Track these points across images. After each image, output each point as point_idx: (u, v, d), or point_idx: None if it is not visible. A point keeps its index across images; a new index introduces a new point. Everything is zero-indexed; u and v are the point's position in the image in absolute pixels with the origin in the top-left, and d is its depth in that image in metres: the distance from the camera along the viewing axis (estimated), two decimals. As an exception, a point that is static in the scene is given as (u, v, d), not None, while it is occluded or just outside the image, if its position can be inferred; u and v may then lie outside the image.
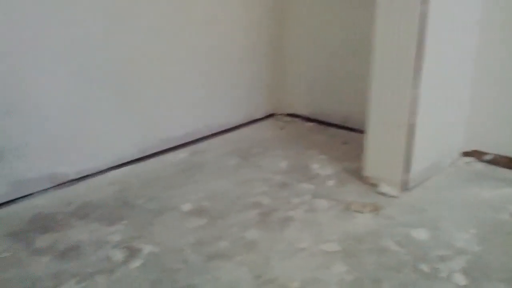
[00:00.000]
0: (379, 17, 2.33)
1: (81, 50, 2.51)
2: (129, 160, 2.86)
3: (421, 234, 2.11)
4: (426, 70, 2.30)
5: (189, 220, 2.25)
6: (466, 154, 2.88)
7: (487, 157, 2.81)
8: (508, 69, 2.62)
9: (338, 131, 3.44)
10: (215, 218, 2.26)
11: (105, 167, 2.75)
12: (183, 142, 3.15)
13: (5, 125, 2.29)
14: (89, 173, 2.68)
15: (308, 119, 3.65)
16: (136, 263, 1.93)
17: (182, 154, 3.05)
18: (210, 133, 3.32)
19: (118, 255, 1.98)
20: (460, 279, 1.82)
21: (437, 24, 2.27)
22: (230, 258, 1.96)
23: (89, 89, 2.59)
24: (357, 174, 2.66)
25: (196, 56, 3.10)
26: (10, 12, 2.22)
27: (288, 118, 3.71)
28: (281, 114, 3.76)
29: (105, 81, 2.65)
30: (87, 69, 2.56)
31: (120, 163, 2.82)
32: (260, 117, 3.68)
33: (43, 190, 2.49)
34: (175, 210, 2.34)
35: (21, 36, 2.27)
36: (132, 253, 1.99)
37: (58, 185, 2.55)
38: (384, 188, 2.48)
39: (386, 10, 2.30)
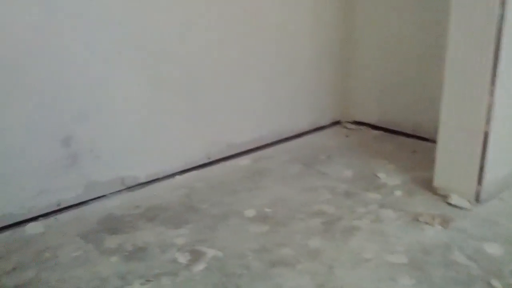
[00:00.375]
0: (453, 20, 2.25)
1: (155, 57, 2.60)
2: (195, 165, 2.92)
3: (494, 249, 2.01)
4: (502, 76, 2.19)
5: (253, 226, 2.26)
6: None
7: None
8: None
9: (406, 139, 3.34)
10: (278, 225, 2.26)
11: (173, 172, 2.81)
12: (248, 148, 3.17)
13: (79, 129, 2.40)
14: (158, 177, 2.75)
15: (375, 127, 3.57)
16: (199, 267, 1.96)
17: (247, 160, 3.07)
18: (275, 139, 3.32)
19: (182, 258, 2.02)
20: (538, 299, 1.71)
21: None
22: (293, 265, 1.95)
23: (159, 95, 2.67)
24: (426, 185, 2.57)
25: (263, 63, 3.13)
26: (89, 20, 2.33)
27: (354, 126, 3.64)
28: (347, 122, 3.71)
29: (175, 88, 2.73)
30: (158, 76, 2.64)
31: (187, 168, 2.88)
32: (325, 124, 3.64)
33: (114, 192, 2.59)
34: (238, 215, 2.36)
35: (99, 43, 2.38)
36: (196, 256, 2.03)
37: (128, 188, 2.64)
38: (455, 199, 2.38)
39: (462, 14, 2.22)
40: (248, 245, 2.10)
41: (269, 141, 3.29)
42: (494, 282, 1.80)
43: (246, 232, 2.21)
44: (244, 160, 3.07)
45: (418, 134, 3.32)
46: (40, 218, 2.34)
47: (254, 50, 3.05)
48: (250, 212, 2.38)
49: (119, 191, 2.60)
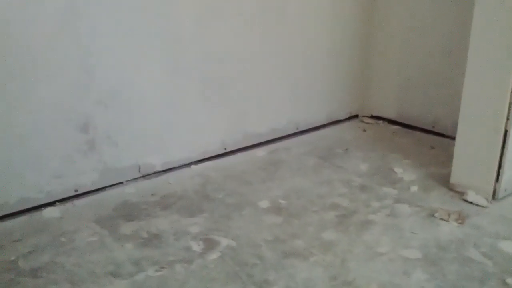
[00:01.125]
0: (477, 16, 2.22)
1: (174, 46, 2.61)
2: (212, 155, 2.93)
3: (510, 247, 1.98)
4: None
5: (267, 217, 2.26)
6: None
7: None
8: None
9: (424, 135, 3.31)
10: (292, 217, 2.26)
11: (189, 161, 2.83)
12: (265, 139, 3.17)
13: (98, 115, 2.42)
14: (175, 165, 2.77)
15: (393, 122, 3.55)
16: (213, 255, 1.97)
17: (263, 151, 3.07)
18: (293, 131, 3.32)
19: (196, 246, 2.04)
20: (554, 298, 1.69)
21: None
22: (306, 257, 1.95)
23: (179, 84, 2.69)
24: (443, 181, 2.55)
25: (283, 54, 3.12)
26: (110, 7, 2.35)
27: (372, 120, 3.62)
28: (364, 116, 3.68)
29: (194, 78, 2.74)
30: (179, 65, 2.65)
31: (204, 157, 2.89)
32: (343, 118, 3.62)
33: (130, 179, 2.61)
34: (253, 206, 2.37)
35: (119, 32, 2.40)
36: (210, 245, 2.04)
37: (145, 175, 2.66)
38: (472, 196, 2.36)
39: (486, 9, 2.19)
40: (262, 235, 2.11)
41: (287, 133, 3.29)
42: (510, 281, 1.78)
43: (260, 223, 2.21)
44: (260, 151, 3.07)
45: (437, 130, 3.28)
46: (57, 203, 2.37)
47: (274, 41, 3.05)
48: (264, 203, 2.39)
49: (135, 178, 2.62)
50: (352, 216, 2.26)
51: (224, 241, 2.07)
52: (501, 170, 2.30)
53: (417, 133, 3.36)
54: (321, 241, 2.06)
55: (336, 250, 1.99)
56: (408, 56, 3.36)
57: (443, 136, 3.19)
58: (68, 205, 2.38)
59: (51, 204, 2.35)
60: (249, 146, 3.09)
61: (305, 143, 3.20)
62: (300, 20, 3.14)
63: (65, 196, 2.40)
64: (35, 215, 2.28)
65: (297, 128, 3.33)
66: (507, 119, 2.22)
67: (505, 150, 2.26)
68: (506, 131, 2.23)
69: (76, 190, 2.43)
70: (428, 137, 3.27)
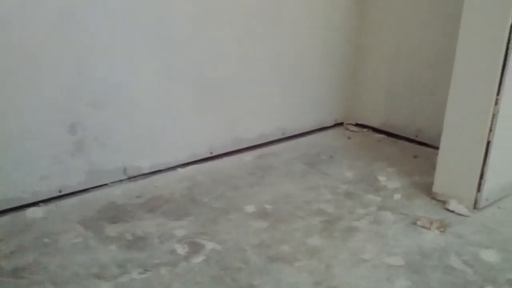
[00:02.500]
0: (463, 29, 2.27)
1: (168, 48, 2.61)
2: (200, 158, 2.93)
3: (490, 255, 2.03)
4: (509, 86, 2.21)
5: (253, 222, 2.27)
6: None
7: None
8: None
9: (408, 144, 3.35)
10: (278, 222, 2.28)
11: (177, 164, 2.83)
12: (252, 144, 3.19)
13: (87, 116, 2.41)
14: (162, 168, 2.77)
15: (377, 131, 3.59)
16: (198, 259, 1.97)
17: (250, 156, 3.08)
18: (279, 137, 3.34)
19: (181, 249, 2.04)
20: (532, 307, 1.73)
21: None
22: (291, 262, 1.96)
23: (171, 87, 2.69)
24: (426, 190, 2.59)
25: (273, 60, 3.14)
26: (105, 9, 2.34)
27: (357, 128, 3.66)
28: (349, 124, 3.72)
29: (187, 81, 2.74)
30: (171, 68, 2.66)
31: (191, 160, 2.89)
32: (329, 125, 3.65)
33: (116, 181, 2.60)
34: (239, 210, 2.38)
35: (113, 34, 2.40)
36: (196, 248, 2.04)
37: (131, 178, 2.65)
38: (454, 205, 2.40)
39: (472, 23, 2.23)
40: (248, 240, 2.12)
41: (274, 138, 3.31)
42: (490, 289, 1.82)
43: (246, 227, 2.22)
44: (249, 156, 3.08)
45: (420, 140, 3.33)
46: (41, 204, 2.35)
47: (267, 47, 3.07)
48: (251, 208, 2.40)
49: (121, 180, 2.61)
50: (337, 222, 2.28)
51: (210, 245, 2.07)
52: (482, 180, 2.34)
53: (401, 142, 3.40)
54: (307, 246, 2.08)
55: (321, 256, 2.01)
56: (395, 66, 3.40)
57: (427, 146, 3.23)
58: (52, 205, 2.36)
59: (35, 204, 2.33)
60: (236, 150, 3.10)
61: (292, 149, 3.22)
62: (293, 27, 3.17)
63: (50, 196, 2.38)
64: (18, 215, 2.26)
65: (283, 134, 3.35)
66: (490, 130, 2.26)
67: (487, 160, 2.30)
68: (488, 142, 2.28)
69: (60, 191, 2.41)
70: (412, 146, 3.32)
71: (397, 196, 2.56)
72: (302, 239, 2.13)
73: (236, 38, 2.90)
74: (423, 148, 3.25)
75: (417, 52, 3.26)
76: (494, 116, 2.24)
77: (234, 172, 2.82)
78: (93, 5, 2.29)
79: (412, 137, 3.39)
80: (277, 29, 3.09)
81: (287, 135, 3.38)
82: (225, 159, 3.02)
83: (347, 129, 3.66)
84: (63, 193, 2.42)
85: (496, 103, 2.21)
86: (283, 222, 2.27)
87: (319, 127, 3.58)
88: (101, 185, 2.55)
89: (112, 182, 2.58)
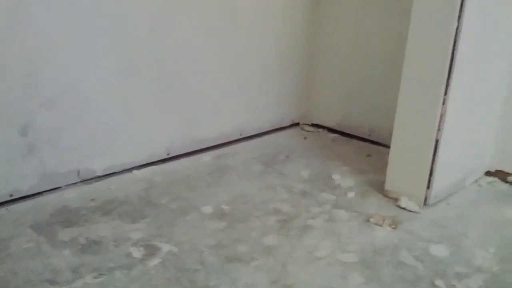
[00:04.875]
0: (412, 31, 2.33)
1: (124, 48, 2.58)
2: (156, 159, 2.91)
3: (440, 250, 2.10)
4: (456, 86, 2.29)
5: (210, 222, 2.28)
6: (490, 173, 2.85)
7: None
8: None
9: (362, 143, 3.44)
10: (235, 222, 2.29)
11: (133, 165, 2.80)
12: (210, 145, 3.19)
13: (39, 117, 2.35)
14: (116, 170, 2.73)
15: (332, 130, 3.66)
16: (154, 261, 1.96)
17: (208, 157, 3.08)
18: (236, 138, 3.35)
19: (137, 252, 2.02)
20: (478, 298, 1.80)
21: (470, 40, 2.26)
22: (248, 262, 1.98)
23: (128, 87, 2.66)
24: (379, 187, 2.66)
25: (233, 60, 3.16)
26: (60, 7, 2.29)
27: (312, 128, 3.72)
28: (305, 124, 3.77)
29: (145, 80, 2.72)
30: (130, 67, 2.63)
31: (147, 162, 2.86)
32: (286, 125, 3.70)
33: (70, 184, 2.55)
34: (197, 211, 2.37)
35: (68, 32, 2.35)
36: (152, 251, 2.03)
37: (85, 180, 2.61)
38: (405, 202, 2.47)
39: (420, 26, 2.30)
40: (205, 241, 2.12)
41: (231, 139, 3.32)
42: (438, 282, 1.89)
43: (203, 228, 2.22)
44: (206, 157, 3.08)
45: (373, 139, 3.42)
46: (-10, 209, 2.28)
47: (224, 47, 3.08)
48: (208, 209, 2.40)
49: (75, 183, 2.56)
50: (293, 221, 2.31)
51: (166, 247, 2.06)
52: (432, 178, 2.42)
53: (355, 141, 3.48)
54: (263, 246, 2.10)
55: (277, 255, 2.04)
56: (350, 66, 3.47)
57: (379, 145, 3.32)
58: (2, 210, 2.29)
59: (-17, 209, 2.27)
60: (195, 151, 3.10)
61: (250, 149, 3.24)
62: (251, 27, 3.19)
63: (0, 201, 2.31)
64: (-34, 220, 2.19)
65: (241, 134, 3.37)
66: (438, 129, 2.34)
67: (436, 159, 2.38)
68: (437, 141, 2.36)
69: (11, 195, 2.34)
70: (366, 145, 3.40)
71: (351, 194, 2.62)
72: (259, 238, 2.15)
73: (195, 37, 2.89)
74: (376, 147, 3.34)
75: (371, 52, 3.33)
76: (442, 115, 2.32)
77: (192, 173, 2.82)
78: (48, 2, 2.24)
79: (365, 136, 3.47)
80: (236, 28, 3.11)
81: (245, 135, 3.40)
82: (183, 160, 3.01)
83: (303, 129, 3.72)
84: (14, 197, 2.35)
85: (443, 103, 2.29)
86: (240, 222, 2.29)
87: (276, 127, 3.62)
88: (54, 189, 2.49)
89: (65, 185, 2.53)
